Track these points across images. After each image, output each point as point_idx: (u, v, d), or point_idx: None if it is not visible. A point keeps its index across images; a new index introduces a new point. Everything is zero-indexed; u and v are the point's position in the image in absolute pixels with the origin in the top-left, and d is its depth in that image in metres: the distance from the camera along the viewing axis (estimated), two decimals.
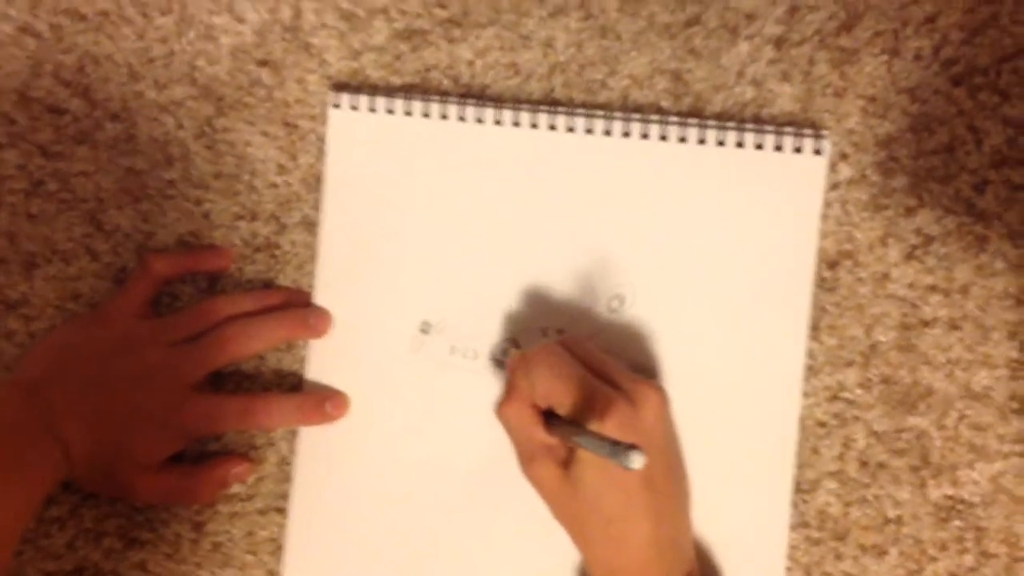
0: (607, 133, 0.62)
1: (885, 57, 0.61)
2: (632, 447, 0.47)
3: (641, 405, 0.55)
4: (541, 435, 0.56)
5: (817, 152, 0.61)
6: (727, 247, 0.62)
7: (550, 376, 0.56)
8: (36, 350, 0.63)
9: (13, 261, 0.65)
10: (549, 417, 0.57)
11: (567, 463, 0.55)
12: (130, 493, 0.62)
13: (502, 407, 0.58)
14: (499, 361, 0.63)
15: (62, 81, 0.65)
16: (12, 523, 0.57)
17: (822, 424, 0.62)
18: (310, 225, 0.64)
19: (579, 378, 0.55)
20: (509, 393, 0.58)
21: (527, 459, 0.57)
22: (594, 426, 0.53)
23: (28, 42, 0.65)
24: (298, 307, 0.64)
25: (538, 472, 0.57)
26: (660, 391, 0.57)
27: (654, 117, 0.62)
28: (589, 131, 0.62)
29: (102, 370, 0.61)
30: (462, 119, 0.63)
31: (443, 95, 0.63)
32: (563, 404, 0.55)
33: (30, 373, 0.61)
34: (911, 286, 0.62)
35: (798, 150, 0.61)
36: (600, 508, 0.55)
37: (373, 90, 0.64)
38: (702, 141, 0.61)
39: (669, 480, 0.57)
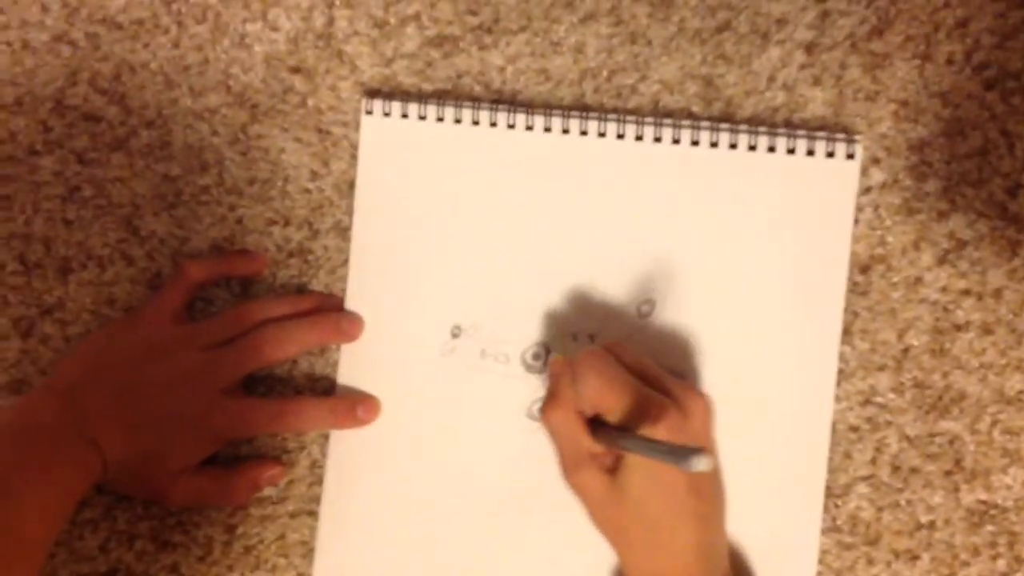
0: (638, 138, 0.62)
1: (917, 61, 0.62)
2: (698, 450, 0.46)
3: (691, 412, 0.55)
4: (587, 442, 0.56)
5: (849, 156, 0.61)
6: (758, 252, 0.62)
7: (599, 383, 0.55)
8: (71, 355, 0.64)
9: (49, 266, 0.66)
10: (594, 424, 0.56)
11: (613, 470, 0.55)
12: (163, 496, 0.63)
13: (548, 413, 0.58)
14: (530, 366, 0.63)
15: (98, 89, 0.66)
16: (47, 526, 0.57)
17: (854, 429, 0.62)
18: (342, 230, 0.65)
19: (629, 384, 0.55)
20: (554, 398, 0.58)
21: (572, 466, 0.57)
22: (646, 432, 0.53)
23: (64, 50, 0.66)
24: (330, 312, 0.65)
25: (584, 479, 0.56)
26: (708, 399, 0.57)
27: (685, 122, 0.62)
28: (620, 136, 0.62)
29: (136, 375, 0.61)
30: (493, 124, 0.63)
31: (474, 101, 0.64)
32: (613, 410, 0.55)
33: (65, 378, 0.61)
34: (944, 290, 0.61)
35: (830, 155, 0.61)
36: (646, 514, 0.54)
37: (405, 96, 0.64)
38: (733, 146, 0.62)
39: (714, 486, 0.57)
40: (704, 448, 0.47)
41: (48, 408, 0.59)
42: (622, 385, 0.55)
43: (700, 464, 0.46)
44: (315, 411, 0.64)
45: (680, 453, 0.47)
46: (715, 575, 0.56)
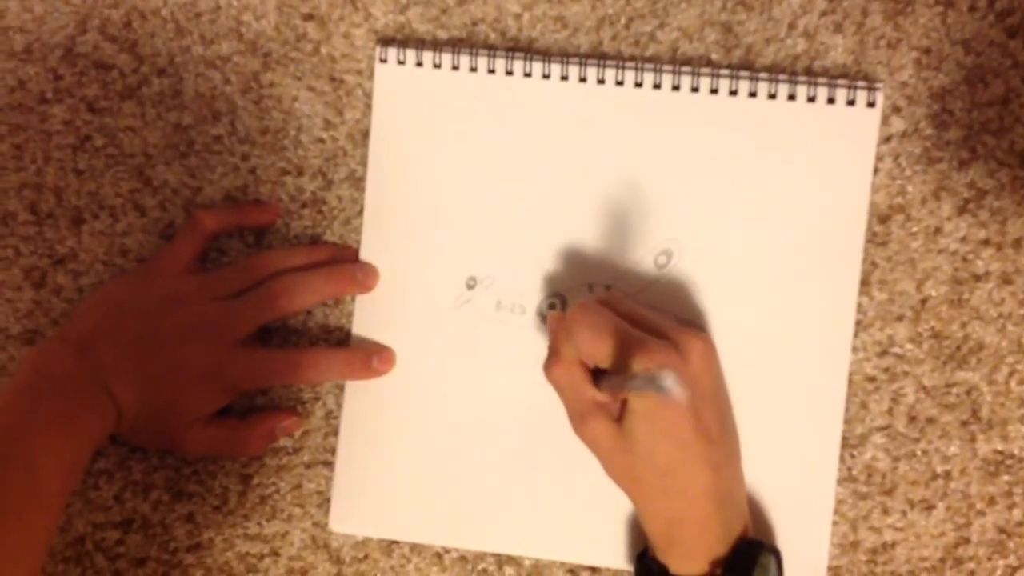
0: (656, 87, 0.62)
1: (940, 8, 0.61)
2: (663, 368, 0.46)
3: (687, 353, 0.55)
4: (592, 393, 0.56)
5: (870, 105, 0.60)
6: (777, 201, 0.61)
7: (591, 334, 0.55)
8: (84, 305, 0.63)
9: (61, 217, 0.65)
10: (597, 374, 0.56)
11: (620, 418, 0.55)
12: (178, 446, 0.63)
13: (550, 369, 0.58)
14: (545, 316, 0.63)
15: (108, 36, 0.65)
16: (64, 476, 0.57)
17: (871, 379, 0.62)
18: (357, 180, 0.64)
19: (620, 331, 0.55)
20: (554, 354, 0.58)
21: (579, 418, 0.57)
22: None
23: None
24: (345, 263, 0.64)
25: (591, 429, 0.56)
26: (706, 338, 0.57)
27: (704, 70, 0.61)
28: (638, 84, 0.62)
29: (150, 325, 0.61)
30: (509, 73, 0.63)
31: (490, 49, 0.63)
32: (607, 358, 0.55)
33: (79, 328, 0.61)
34: (963, 240, 0.61)
35: (851, 103, 0.61)
36: (656, 460, 0.55)
37: (419, 44, 0.64)
38: (753, 94, 0.61)
39: (722, 430, 0.57)
40: (670, 367, 0.46)
41: (63, 358, 0.59)
42: (613, 333, 0.55)
43: (667, 380, 0.46)
44: (330, 362, 0.63)
45: (649, 376, 0.46)
46: (733, 521, 0.56)
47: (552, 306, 0.63)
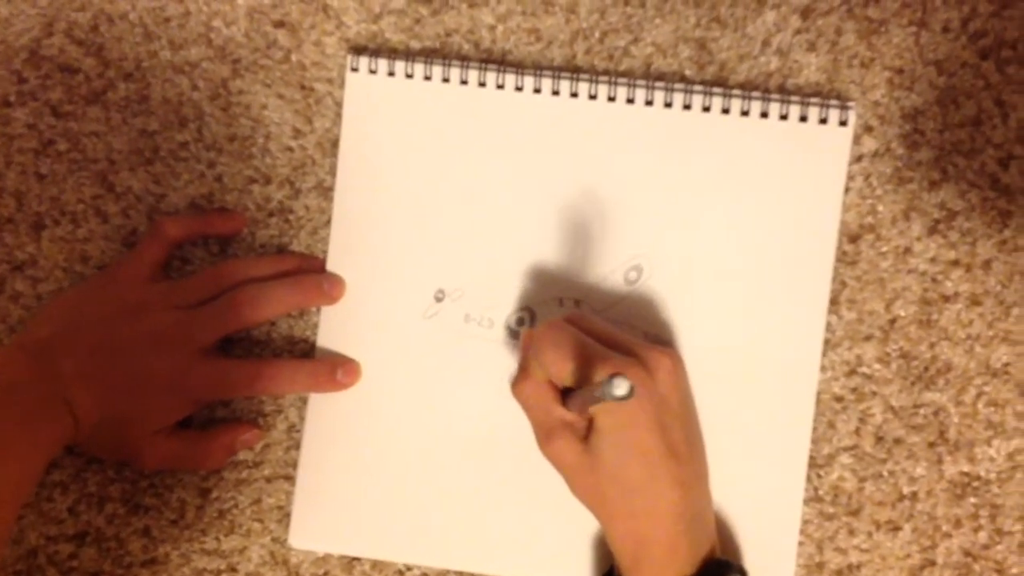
0: (630, 101, 0.61)
1: (913, 28, 0.61)
2: (615, 375, 0.45)
3: (654, 370, 0.54)
4: (559, 411, 0.56)
5: (842, 123, 0.61)
6: (748, 218, 0.61)
7: (554, 353, 0.55)
8: (43, 312, 0.62)
9: (21, 222, 0.64)
10: (566, 393, 0.56)
11: (586, 437, 0.55)
12: (136, 458, 0.61)
13: (517, 386, 0.57)
14: (514, 331, 0.62)
15: (75, 39, 0.64)
16: (16, 487, 0.55)
17: (839, 399, 0.62)
18: (325, 190, 0.64)
19: (585, 348, 0.54)
20: (522, 371, 0.57)
21: (545, 436, 0.56)
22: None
23: None
24: (311, 273, 0.63)
25: (557, 448, 0.55)
26: (674, 356, 0.56)
27: (678, 86, 0.61)
28: (611, 99, 0.62)
29: (111, 333, 0.60)
30: (482, 85, 0.62)
31: (463, 60, 0.63)
32: (571, 377, 0.54)
33: (37, 335, 0.60)
34: (933, 261, 0.61)
35: (823, 121, 0.61)
36: (623, 479, 0.54)
37: (392, 54, 0.63)
38: (726, 111, 0.61)
39: (691, 448, 0.56)
40: (621, 372, 0.45)
41: (18, 366, 0.58)
42: (577, 351, 0.54)
43: (619, 388, 0.45)
44: (294, 374, 0.62)
45: (604, 383, 0.46)
46: (701, 541, 0.56)
47: (521, 321, 0.62)
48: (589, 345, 0.55)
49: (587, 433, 0.55)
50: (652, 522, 0.54)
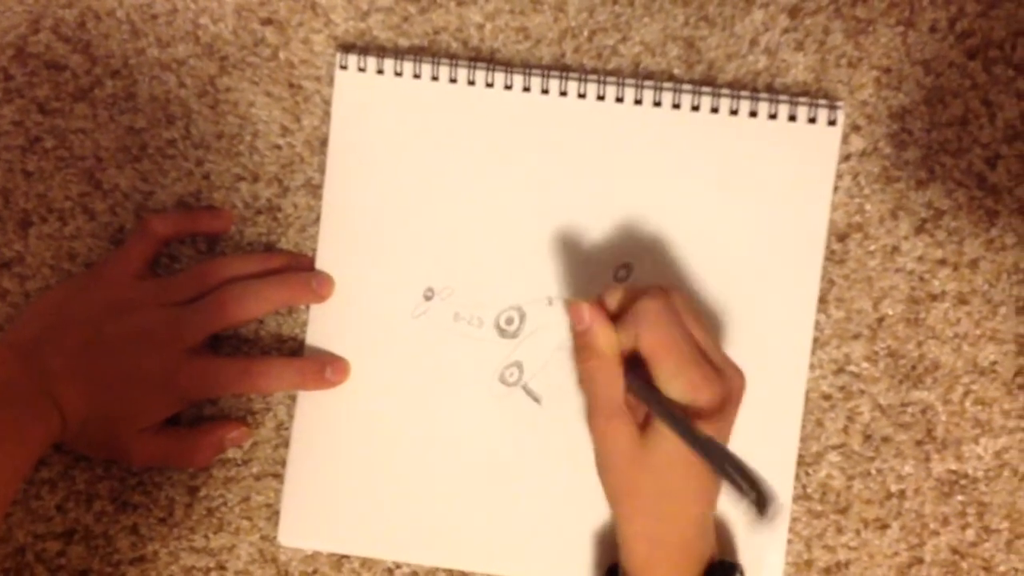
0: (619, 100, 0.61)
1: (900, 28, 0.61)
2: (774, 498, 0.45)
3: (735, 395, 0.54)
4: (624, 394, 0.54)
5: (831, 123, 0.61)
6: (737, 217, 0.61)
7: (662, 339, 0.52)
8: (31, 310, 0.62)
9: (8, 219, 0.64)
10: (633, 378, 0.54)
11: (643, 426, 0.54)
12: (124, 456, 0.61)
13: (587, 361, 0.55)
14: (503, 329, 0.62)
15: (62, 36, 0.64)
16: (4, 482, 0.55)
17: (827, 397, 0.62)
18: (313, 188, 0.63)
19: (690, 350, 0.52)
20: (588, 347, 0.55)
21: (604, 415, 0.54)
22: (699, 422, 0.51)
23: None
24: (300, 271, 0.63)
25: (615, 429, 0.54)
26: (744, 378, 0.55)
27: (667, 84, 0.61)
28: (600, 98, 0.61)
29: (98, 331, 0.59)
30: (471, 83, 0.62)
31: (452, 58, 0.62)
32: (665, 370, 0.52)
33: (24, 333, 0.60)
34: (920, 259, 0.61)
35: (812, 120, 0.61)
36: (665, 482, 0.54)
37: (380, 52, 0.63)
38: (715, 110, 0.61)
39: None
40: (779, 498, 0.45)
41: (7, 364, 0.58)
42: (683, 349, 0.52)
43: (775, 518, 0.44)
44: (282, 371, 0.62)
45: (753, 493, 0.45)
46: (709, 548, 0.56)
47: (510, 320, 0.62)
48: (692, 349, 0.53)
49: (645, 420, 0.54)
50: (673, 526, 0.55)
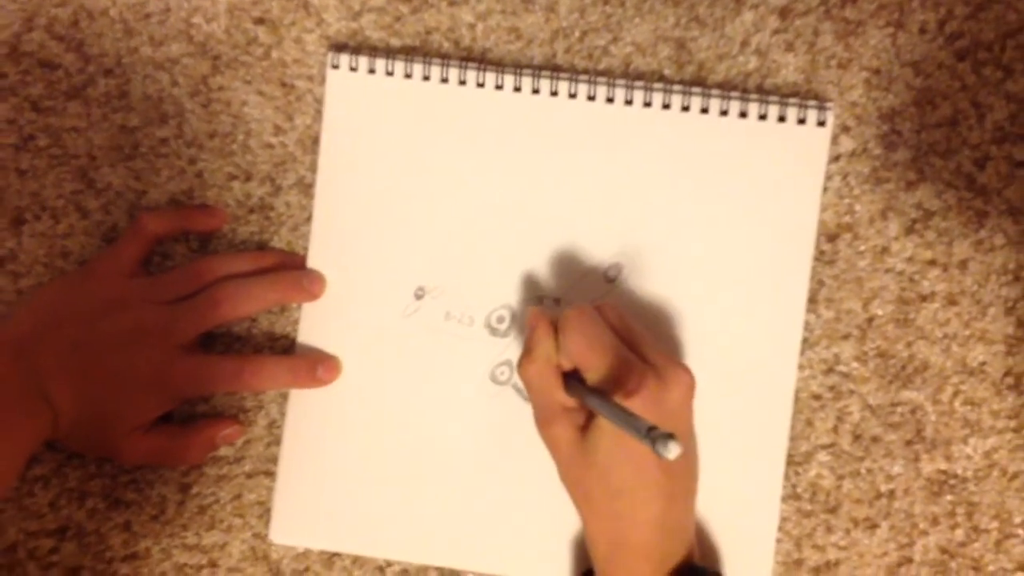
0: (609, 100, 0.62)
1: (890, 30, 0.61)
2: (670, 436, 0.44)
3: (671, 385, 0.53)
4: (561, 396, 0.55)
5: (820, 123, 0.61)
6: (727, 217, 0.61)
7: (584, 342, 0.54)
8: (23, 308, 0.62)
9: (1, 217, 0.64)
10: (569, 379, 0.55)
11: (585, 427, 0.55)
12: (117, 453, 0.62)
13: (524, 366, 0.56)
14: (494, 328, 0.62)
15: (55, 35, 0.64)
16: None
17: (817, 397, 0.62)
18: (306, 187, 0.64)
19: (613, 347, 0.54)
20: (529, 352, 0.56)
21: (544, 420, 0.56)
22: (619, 399, 0.51)
23: None
24: (292, 269, 0.63)
25: (554, 434, 0.55)
26: (690, 374, 0.55)
27: (657, 85, 0.61)
28: (591, 98, 0.62)
29: (91, 329, 0.60)
30: (462, 83, 0.62)
31: (443, 58, 0.63)
32: (593, 370, 0.54)
33: (17, 331, 0.60)
34: (910, 260, 0.62)
35: (801, 121, 0.61)
36: (609, 480, 0.54)
37: (372, 51, 0.63)
38: (705, 110, 0.61)
39: (687, 465, 0.57)
40: (676, 434, 0.44)
41: None
42: (605, 347, 0.54)
43: (670, 452, 0.44)
44: (274, 370, 0.62)
45: (654, 434, 0.45)
46: (675, 551, 0.56)
47: (501, 319, 0.62)
48: (615, 346, 0.54)
49: (586, 423, 0.55)
50: (631, 527, 0.55)
